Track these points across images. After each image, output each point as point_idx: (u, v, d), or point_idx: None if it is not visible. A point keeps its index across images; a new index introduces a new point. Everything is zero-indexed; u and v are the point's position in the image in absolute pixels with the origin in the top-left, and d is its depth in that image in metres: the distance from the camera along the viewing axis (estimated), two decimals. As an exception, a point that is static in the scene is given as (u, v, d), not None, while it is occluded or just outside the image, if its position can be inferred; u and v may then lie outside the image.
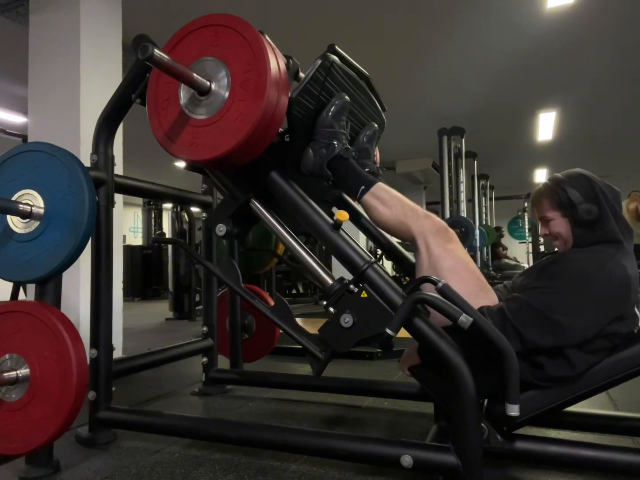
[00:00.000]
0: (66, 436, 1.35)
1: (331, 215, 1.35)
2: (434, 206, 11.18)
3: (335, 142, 1.36)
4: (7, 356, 1.23)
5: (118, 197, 1.85)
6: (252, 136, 1.18)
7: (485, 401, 1.22)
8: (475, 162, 7.12)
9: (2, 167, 1.40)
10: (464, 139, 6.01)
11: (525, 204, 9.96)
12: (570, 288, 1.13)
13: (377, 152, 1.78)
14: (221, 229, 1.38)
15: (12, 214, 1.32)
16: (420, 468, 1.15)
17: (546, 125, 6.79)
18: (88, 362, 1.32)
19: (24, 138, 3.57)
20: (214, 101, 1.22)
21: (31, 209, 1.31)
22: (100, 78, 2.80)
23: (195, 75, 1.19)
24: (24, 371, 1.21)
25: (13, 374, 1.20)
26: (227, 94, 1.21)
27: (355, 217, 1.66)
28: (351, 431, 1.68)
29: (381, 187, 1.36)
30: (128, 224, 13.08)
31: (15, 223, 1.34)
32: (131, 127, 3.02)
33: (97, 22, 2.83)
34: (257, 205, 1.39)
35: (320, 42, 4.36)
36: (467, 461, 1.10)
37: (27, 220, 1.33)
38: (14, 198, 1.35)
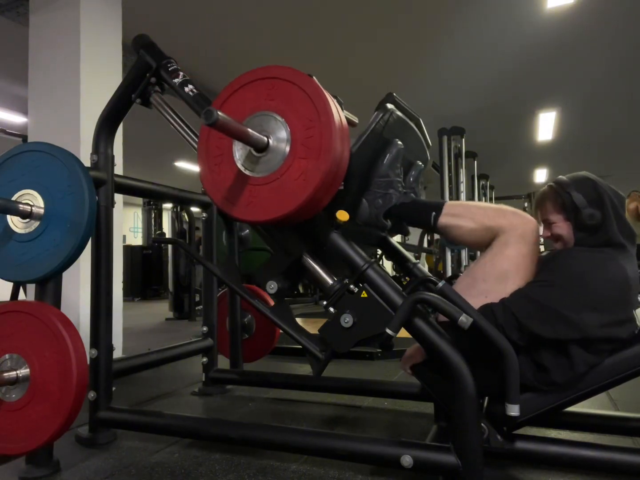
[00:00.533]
0: (66, 436, 1.35)
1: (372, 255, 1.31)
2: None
3: (391, 191, 1.34)
4: (7, 356, 1.23)
5: (118, 197, 1.85)
6: (315, 197, 1.12)
7: (485, 401, 1.22)
8: (475, 162, 7.12)
9: (2, 167, 1.40)
10: (464, 139, 6.01)
11: (525, 204, 9.96)
12: (569, 284, 1.13)
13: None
14: (272, 286, 1.31)
15: (12, 214, 1.32)
16: (420, 468, 1.15)
17: (546, 125, 6.79)
18: (88, 362, 1.31)
19: (24, 138, 3.56)
20: (272, 158, 1.16)
21: (31, 209, 1.31)
22: (100, 78, 2.80)
23: (252, 131, 1.12)
24: (24, 371, 1.21)
25: (13, 374, 1.20)
26: (287, 151, 1.15)
27: (400, 262, 1.64)
28: (351, 431, 1.68)
29: (452, 204, 1.33)
30: (128, 224, 13.08)
31: (16, 223, 1.34)
32: (131, 127, 3.03)
33: (97, 22, 2.83)
34: (309, 261, 1.31)
35: (319, 41, 4.37)
36: (467, 461, 1.10)
37: (27, 220, 1.33)
38: (14, 198, 1.35)
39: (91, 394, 1.54)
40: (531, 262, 1.21)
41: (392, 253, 1.65)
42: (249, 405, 2.03)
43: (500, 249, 1.20)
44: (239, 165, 1.20)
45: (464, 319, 1.05)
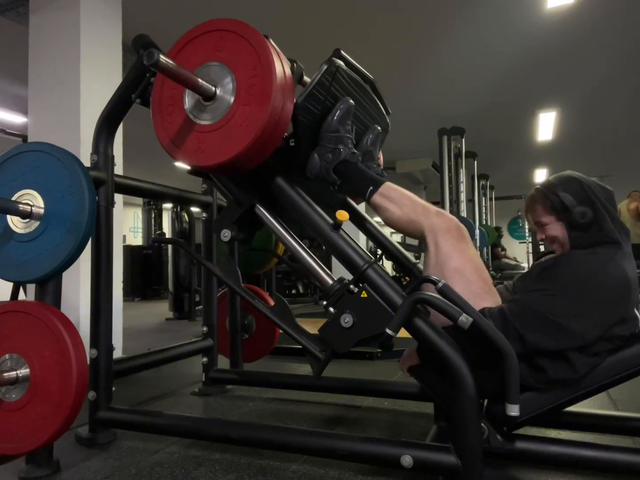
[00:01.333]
0: (66, 436, 1.35)
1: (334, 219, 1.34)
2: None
3: (341, 147, 1.35)
4: (7, 356, 1.23)
5: (118, 197, 1.85)
6: (257, 142, 1.17)
7: (485, 401, 1.22)
8: (475, 162, 7.11)
9: (2, 167, 1.40)
10: (464, 139, 6.01)
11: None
12: (571, 291, 1.13)
13: (380, 155, 1.77)
14: (226, 234, 1.37)
15: (12, 214, 1.32)
16: (420, 468, 1.15)
17: (546, 125, 6.79)
18: (88, 362, 1.31)
19: (24, 138, 3.57)
20: (219, 106, 1.22)
21: (31, 209, 1.31)
22: (100, 78, 2.80)
23: (200, 80, 1.18)
24: (24, 371, 1.21)
25: (13, 374, 1.20)
26: (232, 99, 1.20)
27: (358, 221, 1.66)
28: (351, 431, 1.68)
29: (390, 186, 1.35)
30: (128, 224, 13.08)
31: (16, 223, 1.34)
32: (131, 127, 3.03)
33: (97, 22, 2.83)
34: (262, 210, 1.38)
35: (319, 41, 4.38)
36: (467, 461, 1.10)
37: (27, 220, 1.33)
38: (14, 198, 1.34)
39: (91, 394, 1.54)
40: (470, 251, 1.24)
41: (392, 252, 1.65)
42: (249, 405, 2.03)
43: (436, 251, 1.23)
44: (189, 113, 1.25)
45: (464, 319, 1.05)
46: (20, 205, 1.31)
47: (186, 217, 6.20)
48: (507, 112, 6.26)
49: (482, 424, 1.15)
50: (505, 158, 8.85)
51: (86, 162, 1.62)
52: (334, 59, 1.37)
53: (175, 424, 1.49)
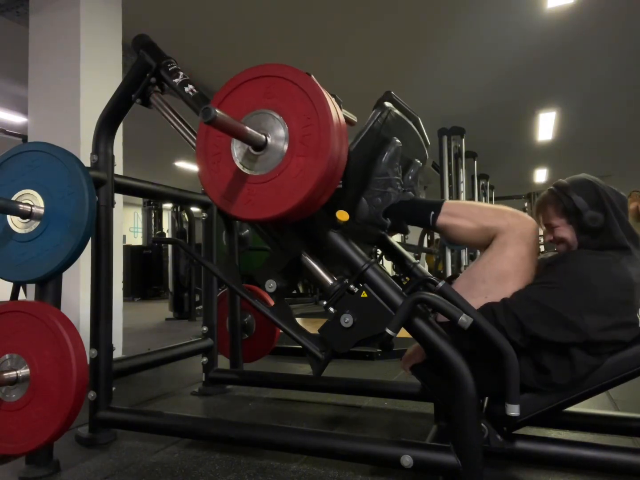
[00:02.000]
0: (66, 436, 1.35)
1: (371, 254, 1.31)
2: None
3: (390, 190, 1.33)
4: (7, 356, 1.23)
5: (118, 197, 1.85)
6: (313, 194, 1.12)
7: (485, 401, 1.22)
8: (475, 162, 7.12)
9: (2, 167, 1.40)
10: (464, 139, 6.01)
11: (525, 204, 9.96)
12: (574, 287, 1.12)
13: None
14: (271, 285, 1.31)
15: (12, 213, 1.32)
16: (420, 468, 1.15)
17: (546, 125, 6.79)
18: (88, 362, 1.31)
19: (24, 138, 3.56)
20: (270, 157, 1.16)
21: (31, 209, 1.32)
22: (100, 78, 2.80)
23: (249, 129, 1.12)
24: (24, 371, 1.21)
25: (13, 374, 1.20)
26: (285, 148, 1.15)
27: (400, 262, 1.63)
28: (351, 431, 1.68)
29: (451, 204, 1.32)
30: (128, 224, 13.08)
31: (16, 223, 1.35)
32: (131, 127, 3.03)
33: (97, 22, 2.83)
34: (308, 260, 1.31)
35: (319, 40, 4.37)
36: (467, 461, 1.10)
37: (27, 220, 1.34)
38: (14, 198, 1.35)
39: (91, 394, 1.54)
40: (530, 263, 1.20)
41: (392, 252, 1.65)
42: (249, 405, 2.03)
43: (499, 250, 1.20)
44: (238, 163, 1.20)
45: (464, 319, 1.05)
46: (21, 205, 1.31)
47: (186, 217, 6.20)
48: (507, 112, 6.26)
49: (482, 424, 1.15)
50: (505, 158, 8.85)
51: (86, 162, 1.62)
52: (386, 104, 1.35)
53: (175, 424, 1.49)
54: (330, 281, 1.28)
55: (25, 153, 1.38)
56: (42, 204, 1.33)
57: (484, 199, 8.21)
